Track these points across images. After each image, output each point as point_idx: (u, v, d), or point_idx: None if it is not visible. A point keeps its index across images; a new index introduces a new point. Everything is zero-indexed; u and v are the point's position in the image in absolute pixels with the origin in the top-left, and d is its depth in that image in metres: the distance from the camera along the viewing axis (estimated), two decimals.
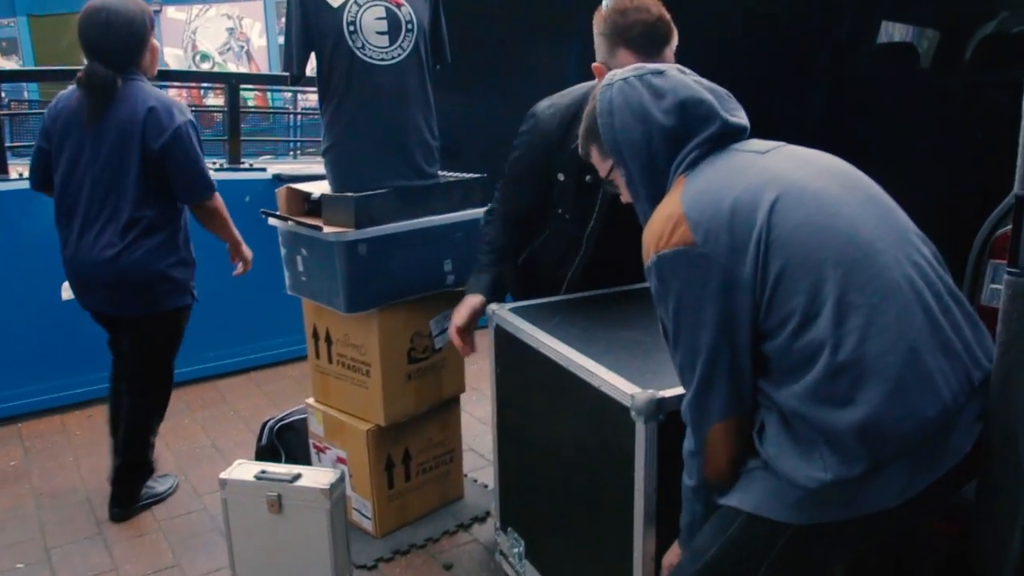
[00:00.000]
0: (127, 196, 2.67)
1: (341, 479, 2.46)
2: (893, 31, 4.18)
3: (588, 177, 2.18)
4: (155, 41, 2.76)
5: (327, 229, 2.45)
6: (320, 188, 2.65)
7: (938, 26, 4.00)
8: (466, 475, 3.13)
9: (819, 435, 1.33)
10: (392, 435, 2.75)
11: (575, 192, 2.27)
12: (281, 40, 20.03)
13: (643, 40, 1.98)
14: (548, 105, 2.28)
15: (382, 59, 2.46)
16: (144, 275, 2.73)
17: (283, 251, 2.74)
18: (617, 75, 1.58)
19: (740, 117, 1.56)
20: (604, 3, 2.09)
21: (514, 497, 2.40)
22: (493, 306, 2.30)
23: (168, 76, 16.57)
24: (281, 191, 2.69)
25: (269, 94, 18.29)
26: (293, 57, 2.47)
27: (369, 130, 2.49)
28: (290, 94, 16.32)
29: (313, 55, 2.50)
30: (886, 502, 1.33)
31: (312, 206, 2.66)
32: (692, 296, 1.40)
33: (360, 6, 2.43)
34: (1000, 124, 1.73)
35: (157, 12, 18.45)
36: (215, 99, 18.71)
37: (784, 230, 1.35)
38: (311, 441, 2.96)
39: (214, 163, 4.56)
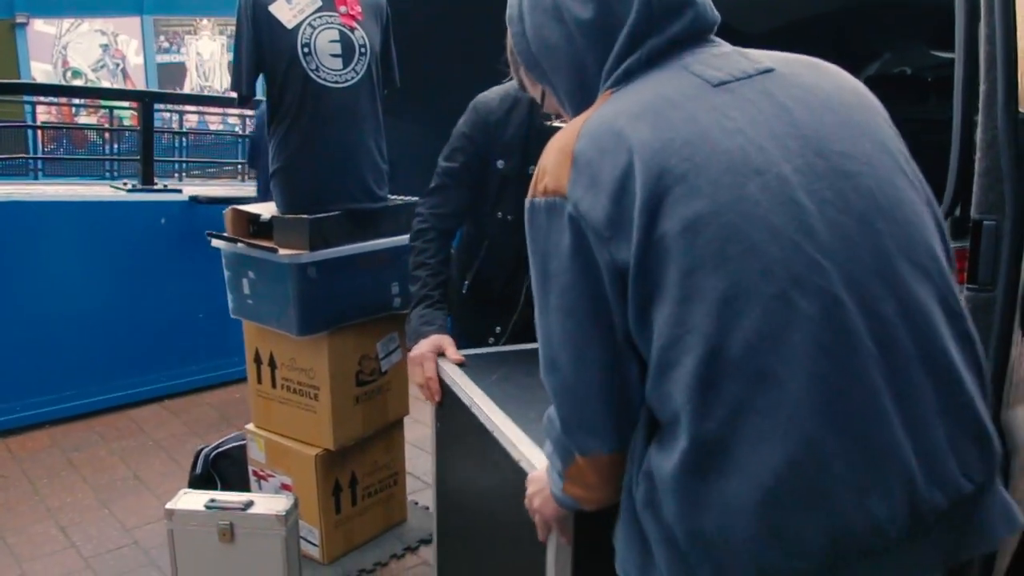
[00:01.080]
0: None
1: (295, 505, 2.42)
2: None
3: (532, 168, 2.02)
4: None
5: (282, 251, 2.42)
6: (266, 210, 2.62)
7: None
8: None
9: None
10: (339, 459, 2.72)
11: (516, 184, 2.00)
12: (159, 59, 19.47)
13: None
14: (491, 90, 2.13)
15: (336, 81, 2.46)
16: None
17: (227, 273, 2.68)
18: None
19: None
20: None
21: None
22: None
23: (72, 92, 15.86)
24: (227, 213, 2.64)
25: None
26: (243, 77, 2.43)
27: (322, 152, 2.48)
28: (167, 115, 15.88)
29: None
30: None
31: (257, 228, 2.62)
32: (559, 267, 1.01)
33: (314, 28, 2.43)
34: None
35: (23, 24, 17.64)
36: (87, 117, 18.00)
37: (687, 233, 0.92)
38: (251, 468, 2.88)
39: (124, 184, 4.41)
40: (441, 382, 1.90)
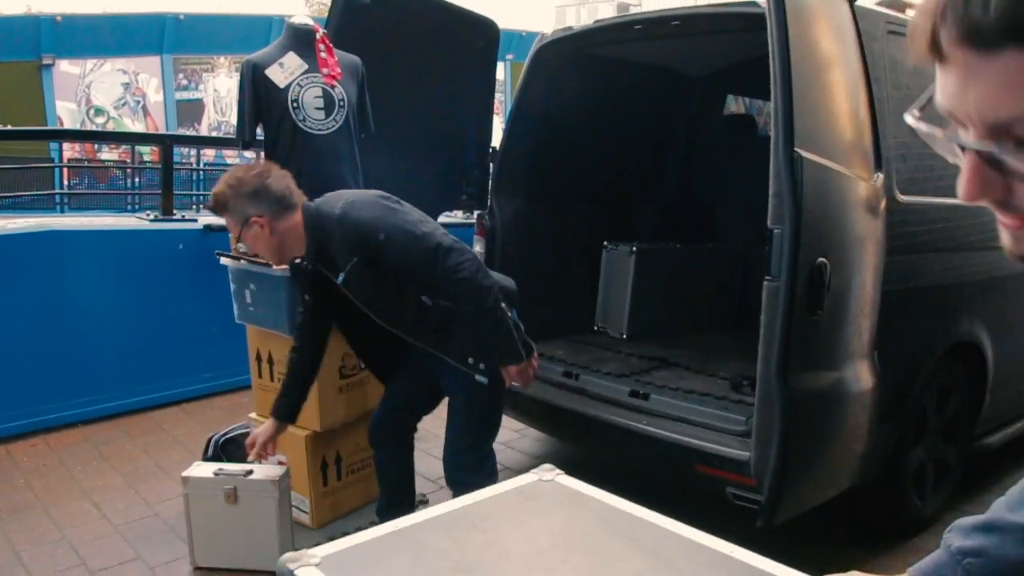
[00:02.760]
0: None
1: (287, 473, 2.98)
2: (735, 104, 5.01)
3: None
4: None
5: (275, 267, 2.99)
6: None
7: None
8: None
9: None
10: (326, 440, 3.28)
11: None
12: (178, 96, 20.18)
13: None
14: None
15: (319, 129, 3.06)
16: None
17: (233, 286, 3.26)
18: None
19: None
20: None
21: None
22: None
23: (99, 137, 16.62)
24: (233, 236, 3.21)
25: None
26: (245, 126, 3.04)
27: (308, 185, 3.04)
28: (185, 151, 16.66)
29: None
30: None
31: None
32: None
33: (302, 87, 3.02)
34: None
35: (50, 66, 18.36)
36: (109, 153, 18.75)
37: None
38: None
39: (148, 214, 5.02)
40: None
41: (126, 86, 19.64)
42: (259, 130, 3.12)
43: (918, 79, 3.14)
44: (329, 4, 3.44)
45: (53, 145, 16.82)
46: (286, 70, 3.01)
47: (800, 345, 2.19)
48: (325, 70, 3.06)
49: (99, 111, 19.35)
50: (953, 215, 3.19)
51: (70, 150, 18.14)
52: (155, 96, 19.77)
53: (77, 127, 18.34)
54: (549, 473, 1.39)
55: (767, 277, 2.09)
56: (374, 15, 3.40)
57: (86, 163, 18.34)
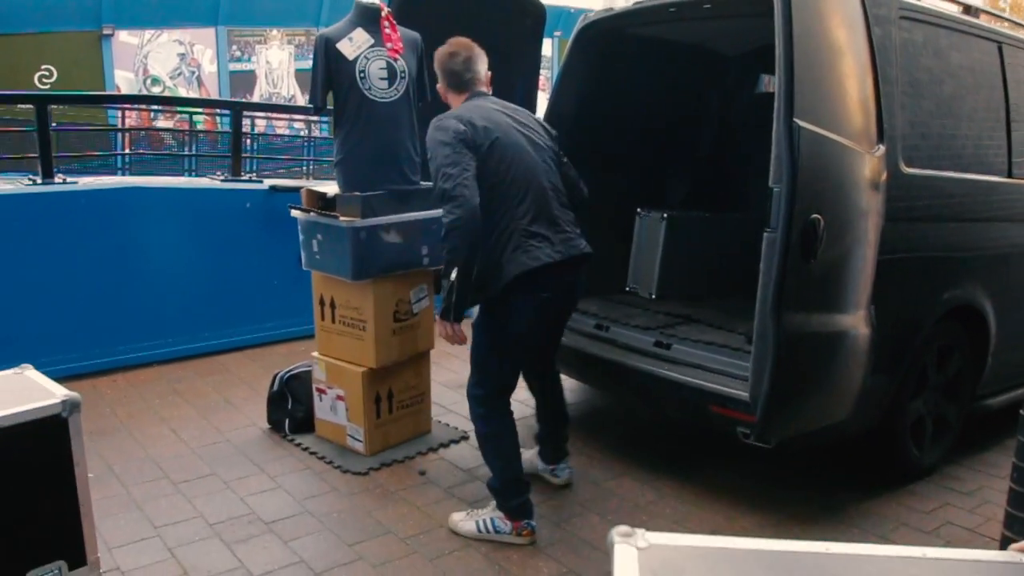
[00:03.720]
0: None
1: None
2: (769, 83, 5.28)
3: None
4: None
5: (342, 218, 3.37)
6: (330, 189, 3.58)
7: None
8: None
9: None
10: (380, 377, 3.66)
11: None
12: (231, 67, 20.64)
13: None
14: None
15: (383, 97, 3.42)
16: None
17: (301, 236, 3.65)
18: None
19: None
20: None
21: None
22: None
23: (176, 102, 17.24)
24: (303, 191, 3.61)
25: (218, 119, 18.90)
26: (319, 94, 3.41)
27: (372, 148, 3.44)
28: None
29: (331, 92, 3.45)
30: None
31: (324, 203, 3.58)
32: None
33: (368, 59, 3.39)
34: None
35: (109, 36, 18.89)
36: (164, 122, 19.31)
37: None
38: (314, 386, 3.84)
39: (218, 174, 5.44)
40: None
41: (182, 56, 20.15)
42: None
43: (936, 61, 3.43)
44: None
45: (111, 113, 17.45)
46: (355, 44, 3.38)
47: (794, 288, 2.52)
48: (389, 44, 3.42)
49: (156, 80, 19.89)
50: (958, 188, 3.47)
51: (127, 117, 18.72)
52: (209, 67, 20.27)
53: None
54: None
55: (767, 229, 2.43)
56: None
57: (144, 132, 18.89)
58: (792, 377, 2.68)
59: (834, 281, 2.74)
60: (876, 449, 3.49)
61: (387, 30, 3.44)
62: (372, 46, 3.42)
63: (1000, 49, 3.72)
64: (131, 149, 16.80)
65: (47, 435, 2.19)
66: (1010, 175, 3.71)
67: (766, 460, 3.59)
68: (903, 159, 3.11)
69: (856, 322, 2.84)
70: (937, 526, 3.26)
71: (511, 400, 3.12)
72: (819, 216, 2.54)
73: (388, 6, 3.54)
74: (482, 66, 3.05)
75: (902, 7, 3.23)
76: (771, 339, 2.55)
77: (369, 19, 3.45)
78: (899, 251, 3.05)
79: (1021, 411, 2.64)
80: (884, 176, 2.88)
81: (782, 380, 2.62)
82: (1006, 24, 4.76)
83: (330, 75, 3.40)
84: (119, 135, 17.11)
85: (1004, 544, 2.68)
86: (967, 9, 3.79)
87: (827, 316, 2.74)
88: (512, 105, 3.09)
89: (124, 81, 19.28)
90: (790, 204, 2.43)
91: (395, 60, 3.45)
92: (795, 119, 2.45)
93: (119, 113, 17.86)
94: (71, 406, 2.21)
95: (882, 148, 2.86)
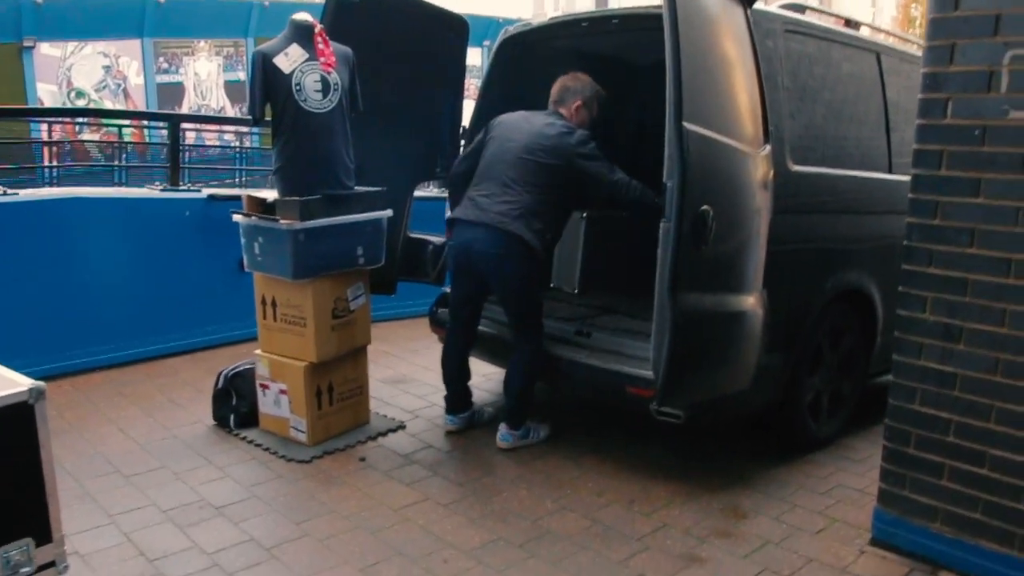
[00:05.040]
0: None
1: None
2: None
3: None
4: None
5: (282, 221, 3.61)
6: (269, 196, 3.81)
7: None
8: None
9: None
10: (320, 370, 3.90)
11: None
12: (159, 79, 20.41)
13: None
14: None
15: (317, 108, 3.67)
16: None
17: (243, 240, 3.86)
18: None
19: None
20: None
21: None
22: None
23: (110, 114, 17.03)
24: (245, 197, 3.84)
25: (145, 131, 18.75)
26: (256, 106, 3.65)
27: (309, 156, 3.69)
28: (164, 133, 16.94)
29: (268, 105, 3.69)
30: None
31: (265, 208, 3.80)
32: None
33: (303, 73, 3.63)
34: None
35: (30, 48, 18.57)
36: (90, 135, 19.03)
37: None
38: (258, 382, 4.05)
39: (157, 185, 5.60)
40: None
41: (107, 69, 19.84)
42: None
43: (822, 69, 3.82)
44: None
45: (34, 126, 17.19)
46: (290, 58, 3.62)
47: (687, 271, 2.87)
48: (322, 59, 3.67)
49: (80, 93, 19.55)
50: (844, 184, 3.86)
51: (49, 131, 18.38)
52: (136, 79, 20.04)
53: None
54: None
55: (662, 220, 2.77)
56: (362, 12, 4.01)
57: (70, 143, 18.63)
58: (688, 349, 3.01)
59: (726, 265, 3.09)
60: (778, 422, 3.86)
61: (320, 45, 3.69)
62: (307, 60, 3.66)
63: (879, 58, 4.13)
64: (57, 162, 16.60)
65: (15, 421, 2.38)
66: (890, 171, 4.12)
67: (679, 437, 3.93)
68: (791, 158, 3.47)
69: (749, 303, 3.19)
70: (830, 488, 3.63)
71: None
72: (708, 208, 2.89)
73: (320, 23, 3.79)
74: (555, 90, 3.97)
75: (786, 22, 3.61)
76: (668, 315, 2.89)
77: (303, 35, 3.70)
78: (788, 240, 3.42)
79: (890, 375, 3.02)
80: (771, 173, 3.24)
81: (679, 351, 2.95)
82: (891, 37, 5.20)
83: (267, 88, 3.63)
84: (43, 148, 16.89)
85: (881, 496, 3.07)
86: (848, 22, 4.20)
87: (720, 296, 3.09)
88: (542, 117, 3.86)
89: (47, 94, 18.94)
90: (681, 197, 2.77)
91: (328, 73, 3.70)
92: (683, 122, 2.79)
93: (42, 126, 17.64)
94: (37, 393, 2.41)
95: (768, 148, 3.22)
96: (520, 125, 3.84)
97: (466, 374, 4.16)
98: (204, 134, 18.86)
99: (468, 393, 4.19)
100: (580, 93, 3.90)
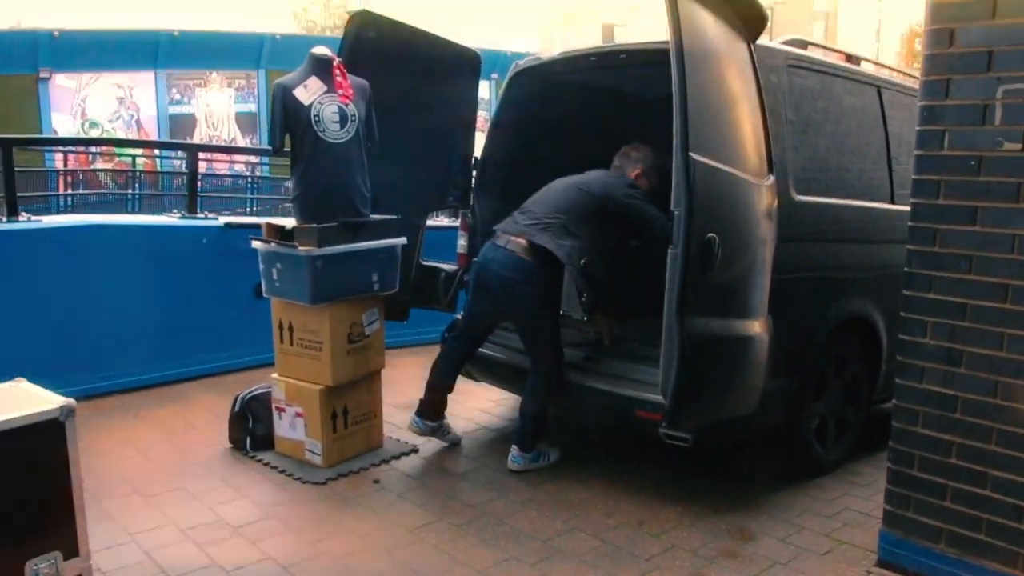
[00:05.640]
0: None
1: None
2: None
3: None
4: None
5: (300, 248, 3.72)
6: (287, 223, 3.93)
7: None
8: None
9: None
10: (335, 394, 3.98)
11: None
12: (171, 110, 20.69)
13: None
14: None
15: (335, 139, 3.80)
16: None
17: (262, 266, 3.97)
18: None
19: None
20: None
21: None
22: None
23: (131, 144, 17.27)
24: (264, 224, 3.95)
25: (158, 160, 18.99)
26: (277, 136, 3.78)
27: (326, 184, 3.81)
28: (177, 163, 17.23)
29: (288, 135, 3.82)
30: None
31: (283, 234, 3.91)
32: None
33: (322, 104, 3.77)
34: None
35: (46, 79, 18.89)
36: (102, 164, 19.28)
37: None
38: (274, 405, 4.14)
39: (175, 213, 5.73)
40: None
41: (121, 100, 20.16)
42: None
43: (826, 103, 3.93)
44: (318, 23, 4.20)
45: (48, 156, 17.45)
46: (309, 90, 3.76)
47: (694, 296, 2.97)
48: (340, 91, 3.81)
49: (94, 124, 19.86)
50: (847, 214, 3.96)
51: (62, 160, 18.64)
52: (148, 110, 20.35)
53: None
54: None
55: (671, 246, 2.88)
56: (378, 46, 4.15)
57: (81, 172, 18.86)
58: (696, 372, 3.10)
59: (732, 291, 3.18)
60: (784, 447, 3.92)
61: (338, 78, 3.82)
62: (325, 92, 3.80)
63: (879, 92, 4.24)
64: (70, 191, 16.83)
65: (46, 437, 2.48)
66: (892, 201, 4.22)
67: (688, 460, 4.00)
68: (795, 188, 3.58)
69: (755, 328, 3.28)
70: (837, 511, 3.68)
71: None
72: (714, 235, 2.99)
73: (338, 56, 3.93)
74: (616, 157, 4.18)
75: (789, 57, 3.73)
76: (675, 339, 2.98)
77: (322, 68, 3.84)
78: (792, 268, 3.51)
79: (894, 401, 3.09)
80: (775, 203, 3.34)
81: (687, 374, 3.03)
82: (890, 71, 5.33)
83: (287, 119, 3.76)
84: (57, 177, 17.14)
85: (886, 517, 3.13)
86: (849, 58, 4.33)
87: (726, 321, 3.18)
88: (592, 174, 4.09)
89: (62, 125, 19.26)
90: (688, 225, 2.88)
91: (346, 105, 3.83)
92: (690, 153, 2.90)
93: (56, 156, 17.88)
94: (68, 411, 2.51)
95: (772, 178, 3.33)
96: (580, 175, 4.08)
97: (450, 385, 4.25)
98: (215, 164, 19.08)
99: (444, 404, 4.27)
100: (641, 162, 4.08)
